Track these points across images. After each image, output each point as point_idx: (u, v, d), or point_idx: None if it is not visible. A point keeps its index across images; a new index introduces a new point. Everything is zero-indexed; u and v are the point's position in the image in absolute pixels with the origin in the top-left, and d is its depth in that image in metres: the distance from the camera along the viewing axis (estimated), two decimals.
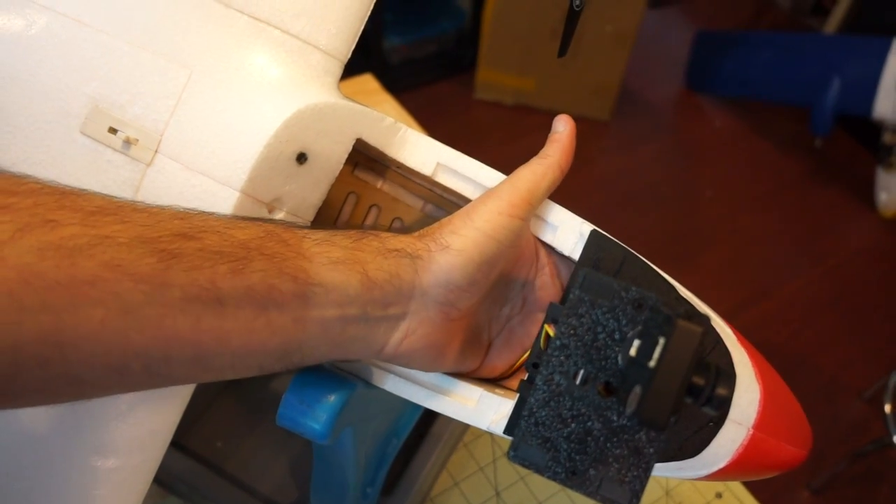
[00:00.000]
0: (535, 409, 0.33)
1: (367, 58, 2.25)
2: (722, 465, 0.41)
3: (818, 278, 2.04)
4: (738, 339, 0.43)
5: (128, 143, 0.42)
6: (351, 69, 1.14)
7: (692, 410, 0.39)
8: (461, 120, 2.36)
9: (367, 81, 1.14)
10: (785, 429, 0.41)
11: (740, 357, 0.42)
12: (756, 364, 0.42)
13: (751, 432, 0.40)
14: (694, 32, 2.54)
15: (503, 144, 2.26)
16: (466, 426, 0.77)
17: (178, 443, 0.71)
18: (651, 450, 0.32)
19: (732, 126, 2.48)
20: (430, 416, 0.72)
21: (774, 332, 1.91)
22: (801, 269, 2.06)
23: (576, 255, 0.43)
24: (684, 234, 2.12)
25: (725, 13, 2.96)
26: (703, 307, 0.41)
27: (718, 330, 0.41)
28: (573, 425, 0.32)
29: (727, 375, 0.28)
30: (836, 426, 1.74)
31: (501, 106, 2.39)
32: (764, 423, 0.41)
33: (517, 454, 0.33)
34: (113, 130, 0.42)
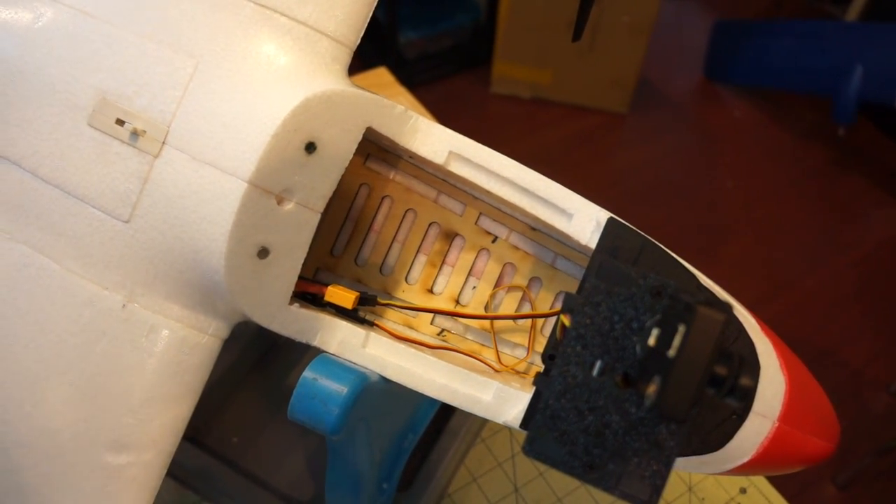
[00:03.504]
0: (550, 402, 0.32)
1: (383, 52, 2.25)
2: (746, 458, 0.40)
3: (842, 269, 2.00)
4: (762, 328, 0.42)
5: (135, 134, 0.42)
6: (366, 63, 1.13)
7: (715, 403, 0.38)
8: (477, 114, 2.34)
9: (382, 74, 1.13)
10: (812, 421, 0.40)
11: (764, 347, 0.40)
12: (781, 354, 0.41)
13: (776, 425, 0.39)
14: (712, 22, 2.51)
15: (520, 138, 2.24)
16: (485, 421, 0.76)
17: (195, 438, 0.71)
18: (672, 443, 0.31)
19: (753, 116, 2.44)
20: (447, 412, 0.71)
21: (798, 325, 1.87)
22: (825, 260, 2.02)
23: (593, 244, 0.42)
24: (705, 226, 2.08)
25: (743, 2, 2.92)
26: (724, 295, 0.40)
27: (741, 319, 0.40)
28: (590, 418, 0.31)
29: (751, 365, 0.27)
30: (862, 420, 1.71)
31: (518, 100, 2.36)
32: (790, 415, 0.39)
33: (533, 448, 0.32)
34: (120, 122, 0.42)
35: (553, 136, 2.26)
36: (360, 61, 1.34)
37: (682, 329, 0.27)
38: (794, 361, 0.41)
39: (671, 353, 0.27)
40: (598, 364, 0.32)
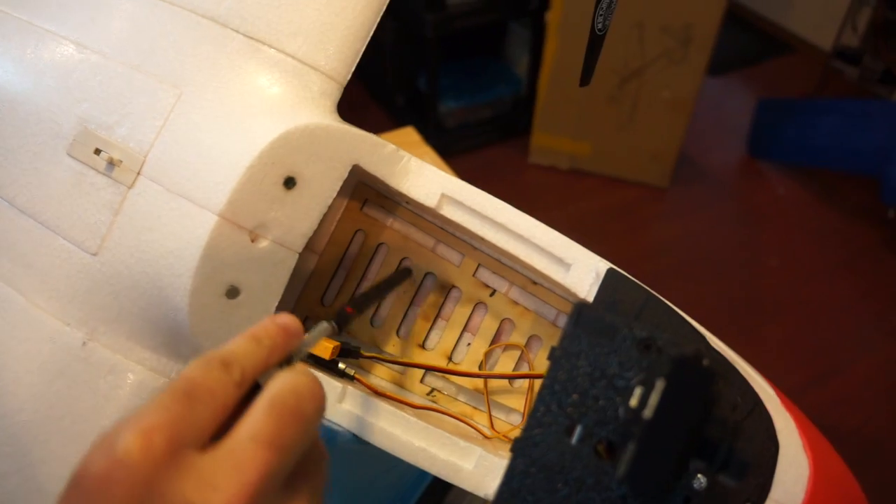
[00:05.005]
0: (518, 471, 0.27)
1: (424, 121, 2.27)
2: None
3: (894, 356, 1.89)
4: (784, 403, 0.37)
5: (111, 164, 0.40)
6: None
7: (725, 486, 0.33)
8: (514, 183, 2.33)
9: (409, 133, 1.11)
10: None
11: (785, 424, 0.35)
12: (804, 433, 0.36)
13: None
14: (755, 99, 2.48)
15: (557, 207, 2.21)
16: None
17: None
18: None
19: (797, 194, 2.37)
20: (444, 484, 0.66)
21: (847, 414, 1.75)
22: (876, 345, 1.91)
23: (591, 297, 0.38)
24: (747, 305, 2.00)
25: (788, 81, 2.89)
26: (737, 360, 0.35)
27: (758, 389, 0.35)
28: (564, 492, 0.27)
29: (751, 435, 0.22)
30: None
31: (555, 170, 2.35)
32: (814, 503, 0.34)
33: None
34: (98, 152, 0.40)
35: (590, 207, 2.23)
36: (399, 126, 1.34)
37: (660, 385, 0.22)
38: (819, 442, 0.36)
39: (647, 413, 0.22)
40: (578, 429, 0.27)
